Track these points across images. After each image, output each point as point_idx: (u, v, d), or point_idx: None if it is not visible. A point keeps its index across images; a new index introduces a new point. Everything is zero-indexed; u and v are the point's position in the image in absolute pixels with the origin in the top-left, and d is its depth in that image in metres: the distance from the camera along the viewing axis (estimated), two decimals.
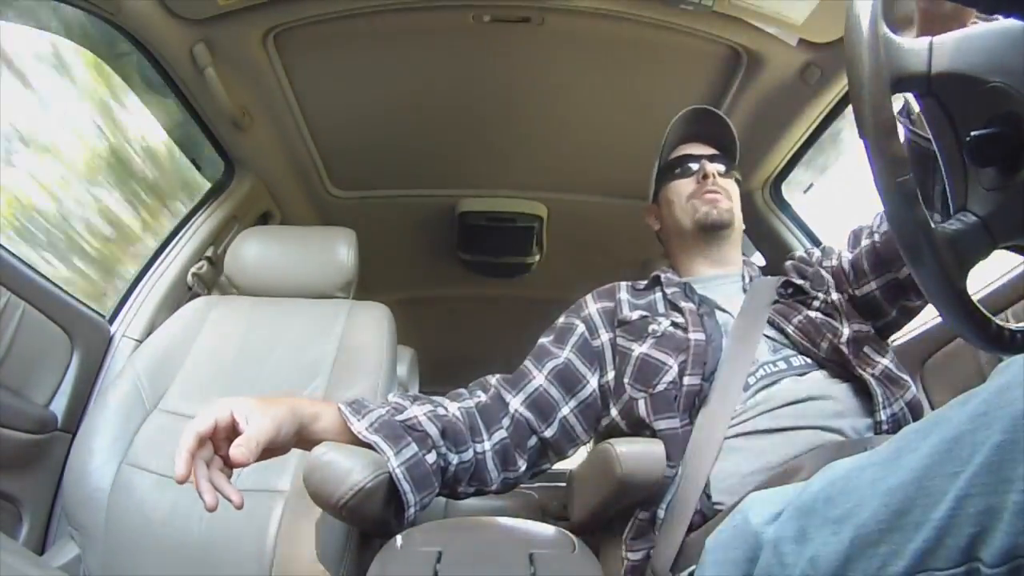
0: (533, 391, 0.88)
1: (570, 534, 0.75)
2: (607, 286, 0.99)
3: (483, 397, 0.87)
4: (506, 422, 0.86)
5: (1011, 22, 0.49)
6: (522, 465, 0.86)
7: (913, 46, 0.50)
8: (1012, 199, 0.49)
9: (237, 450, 0.63)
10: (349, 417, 0.75)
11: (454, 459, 0.80)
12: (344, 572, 0.94)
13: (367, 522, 0.78)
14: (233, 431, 0.66)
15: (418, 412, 0.79)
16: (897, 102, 0.57)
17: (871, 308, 0.89)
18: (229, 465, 0.65)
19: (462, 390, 0.89)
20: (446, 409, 0.83)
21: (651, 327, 0.88)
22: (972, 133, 0.49)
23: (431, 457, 0.76)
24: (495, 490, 0.86)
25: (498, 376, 0.91)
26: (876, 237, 0.88)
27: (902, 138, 0.51)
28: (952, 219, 0.52)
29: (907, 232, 0.49)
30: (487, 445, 0.84)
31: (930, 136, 0.55)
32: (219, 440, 0.65)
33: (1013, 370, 0.33)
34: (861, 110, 0.49)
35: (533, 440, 0.86)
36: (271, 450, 0.68)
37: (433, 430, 0.78)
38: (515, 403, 0.87)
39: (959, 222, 0.51)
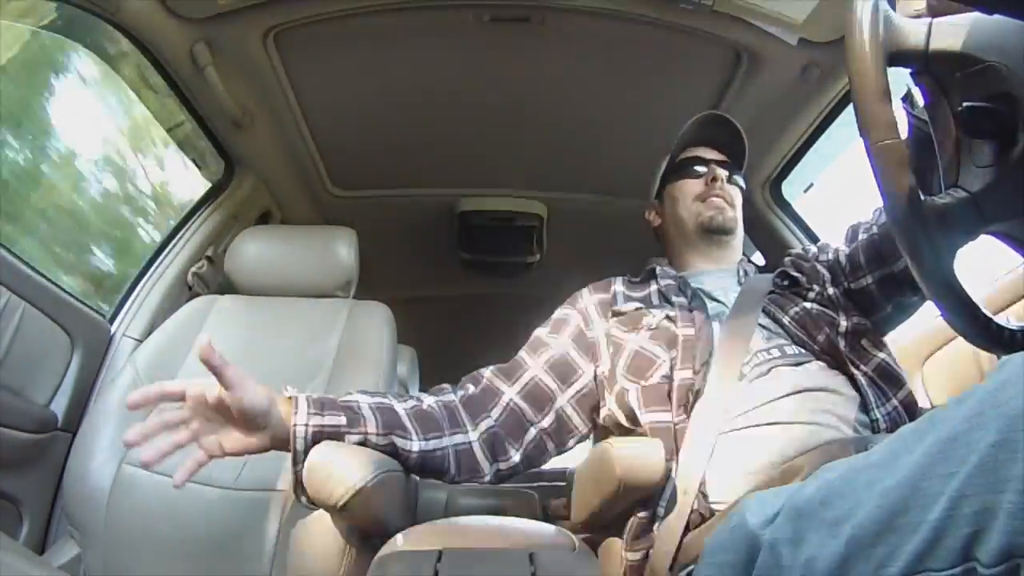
0: (528, 381, 0.88)
1: (570, 534, 0.75)
2: (603, 280, 0.99)
3: (472, 389, 0.87)
4: (496, 412, 0.86)
5: None
6: (515, 456, 0.85)
7: (912, 24, 0.51)
8: (1004, 177, 0.49)
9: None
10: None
11: (414, 445, 0.79)
12: (344, 572, 0.94)
13: (367, 522, 0.78)
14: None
15: (363, 399, 0.80)
16: (900, 89, 0.57)
17: (866, 302, 0.90)
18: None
19: (445, 385, 0.89)
20: (419, 400, 0.83)
21: (645, 319, 0.88)
22: (966, 103, 0.49)
23: (354, 437, 0.76)
24: (489, 481, 0.85)
25: (492, 367, 0.91)
26: (875, 230, 0.89)
27: (904, 124, 0.51)
28: (943, 193, 0.52)
29: (896, 200, 0.49)
30: (473, 436, 0.84)
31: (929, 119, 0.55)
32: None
33: (1009, 369, 0.33)
34: (856, 79, 0.49)
35: (530, 430, 0.86)
36: (245, 419, 0.69)
37: (372, 416, 0.78)
38: (509, 393, 0.87)
39: (950, 196, 0.51)
